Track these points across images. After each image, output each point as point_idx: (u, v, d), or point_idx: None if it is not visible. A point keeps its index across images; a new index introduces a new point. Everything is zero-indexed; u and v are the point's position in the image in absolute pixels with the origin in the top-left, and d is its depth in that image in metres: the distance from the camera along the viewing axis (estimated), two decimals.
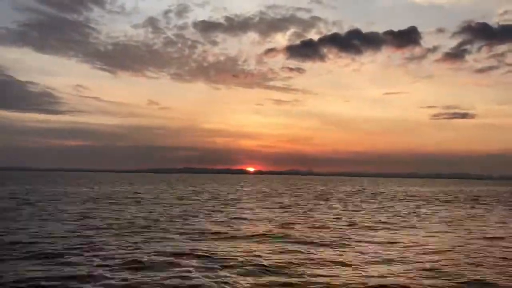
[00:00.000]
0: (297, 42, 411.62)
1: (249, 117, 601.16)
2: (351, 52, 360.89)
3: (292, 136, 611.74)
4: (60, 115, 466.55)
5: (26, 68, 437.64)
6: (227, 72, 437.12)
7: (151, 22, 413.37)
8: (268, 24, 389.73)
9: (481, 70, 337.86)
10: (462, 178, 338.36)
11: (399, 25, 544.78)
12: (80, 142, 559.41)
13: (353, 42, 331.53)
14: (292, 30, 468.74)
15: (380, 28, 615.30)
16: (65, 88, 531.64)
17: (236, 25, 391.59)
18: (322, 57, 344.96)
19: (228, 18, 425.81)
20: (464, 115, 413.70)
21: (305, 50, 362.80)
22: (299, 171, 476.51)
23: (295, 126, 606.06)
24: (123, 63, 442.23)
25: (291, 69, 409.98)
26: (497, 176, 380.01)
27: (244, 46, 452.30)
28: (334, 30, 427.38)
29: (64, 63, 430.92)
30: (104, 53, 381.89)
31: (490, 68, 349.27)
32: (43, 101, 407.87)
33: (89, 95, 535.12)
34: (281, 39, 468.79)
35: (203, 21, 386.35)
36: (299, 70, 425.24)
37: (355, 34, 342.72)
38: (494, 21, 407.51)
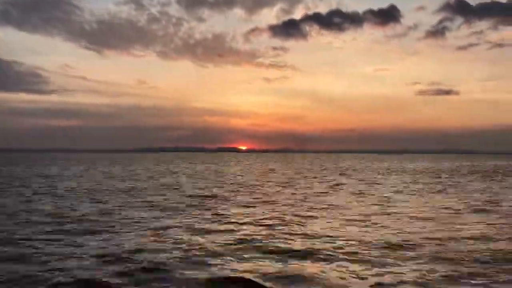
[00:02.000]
0: (281, 21, 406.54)
1: (239, 95, 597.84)
2: (333, 30, 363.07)
3: (283, 114, 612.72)
4: (47, 95, 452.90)
5: (10, 47, 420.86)
6: (214, 49, 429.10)
7: None
8: (254, 0, 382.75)
9: (462, 47, 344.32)
10: (449, 153, 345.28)
11: (384, 2, 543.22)
12: (69, 122, 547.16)
13: (334, 20, 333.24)
14: (278, 6, 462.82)
15: (367, 4, 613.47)
16: (51, 68, 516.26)
17: (222, 1, 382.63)
18: (304, 36, 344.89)
19: None
20: (448, 92, 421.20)
21: (288, 29, 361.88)
22: (292, 149, 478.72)
23: (285, 105, 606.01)
24: (108, 42, 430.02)
25: (274, 48, 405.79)
26: (483, 151, 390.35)
27: (231, 23, 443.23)
28: (322, 5, 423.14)
29: (48, 42, 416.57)
30: (89, 32, 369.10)
31: (471, 45, 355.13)
32: (30, 81, 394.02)
33: (76, 74, 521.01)
34: (268, 16, 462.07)
35: None
36: (283, 48, 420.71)
37: (336, 13, 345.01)
38: None
